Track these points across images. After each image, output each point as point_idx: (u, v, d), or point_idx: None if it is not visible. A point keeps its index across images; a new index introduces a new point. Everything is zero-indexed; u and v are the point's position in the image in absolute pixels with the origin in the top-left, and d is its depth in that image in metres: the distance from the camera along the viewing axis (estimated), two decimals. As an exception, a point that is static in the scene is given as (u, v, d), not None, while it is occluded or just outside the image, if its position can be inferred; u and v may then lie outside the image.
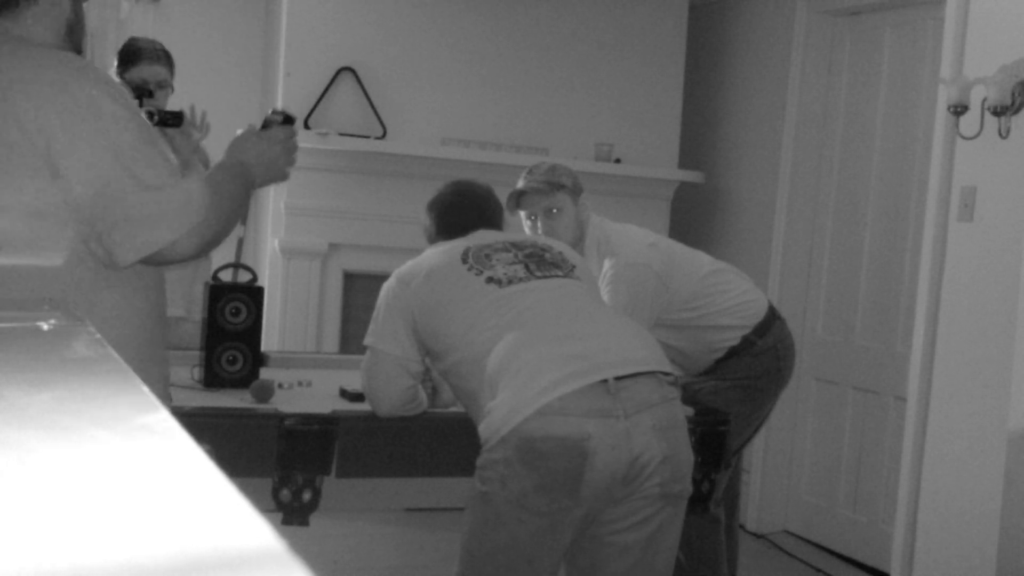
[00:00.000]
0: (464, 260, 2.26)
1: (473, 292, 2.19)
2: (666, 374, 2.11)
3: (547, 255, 2.31)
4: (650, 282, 2.87)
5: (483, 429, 2.04)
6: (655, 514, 2.08)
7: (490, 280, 2.21)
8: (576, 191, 2.96)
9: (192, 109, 2.87)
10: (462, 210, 2.43)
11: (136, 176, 1.63)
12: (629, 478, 2.01)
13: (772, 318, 3.08)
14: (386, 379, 2.29)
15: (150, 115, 2.61)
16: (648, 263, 2.88)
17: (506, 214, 2.54)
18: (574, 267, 2.32)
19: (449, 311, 2.19)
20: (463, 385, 2.20)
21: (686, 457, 2.11)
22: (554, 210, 2.91)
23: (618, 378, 2.02)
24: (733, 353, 3.02)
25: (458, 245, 2.32)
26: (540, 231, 2.91)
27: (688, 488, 2.13)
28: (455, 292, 2.21)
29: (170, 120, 2.67)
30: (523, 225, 2.98)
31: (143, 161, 1.66)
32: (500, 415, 2.01)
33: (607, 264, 2.88)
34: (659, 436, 2.03)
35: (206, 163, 2.94)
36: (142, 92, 2.75)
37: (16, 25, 1.67)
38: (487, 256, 2.28)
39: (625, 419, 2.00)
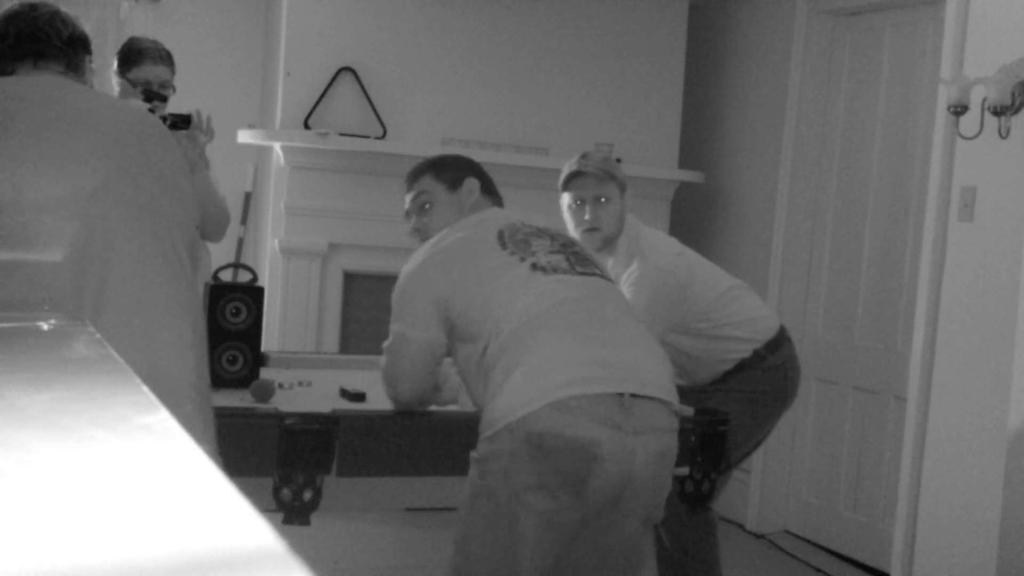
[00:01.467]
0: (503, 245, 2.23)
1: (515, 278, 2.15)
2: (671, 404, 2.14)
3: (577, 248, 2.32)
4: (672, 289, 2.87)
5: (489, 412, 2.02)
6: (632, 532, 2.11)
7: (535, 267, 2.18)
8: (623, 187, 2.95)
9: (198, 113, 2.87)
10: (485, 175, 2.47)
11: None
12: (618, 495, 2.02)
13: (782, 338, 3.09)
14: (412, 363, 2.24)
15: (162, 119, 2.61)
16: (674, 271, 2.88)
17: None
18: (604, 268, 2.33)
19: (490, 297, 2.13)
20: (484, 370, 2.11)
21: (668, 487, 2.14)
22: (603, 199, 2.89)
23: (632, 395, 2.02)
24: (743, 367, 3.03)
25: (488, 227, 2.28)
26: (586, 216, 2.87)
27: (660, 516, 2.16)
28: (498, 279, 2.15)
29: (179, 123, 2.68)
30: (564, 208, 2.93)
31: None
32: (508, 402, 1.99)
33: (634, 265, 2.88)
34: (656, 462, 2.05)
35: (207, 166, 2.94)
36: (153, 96, 2.73)
37: (79, 79, 1.99)
38: (524, 241, 2.26)
39: (633, 436, 2.00)
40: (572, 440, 1.96)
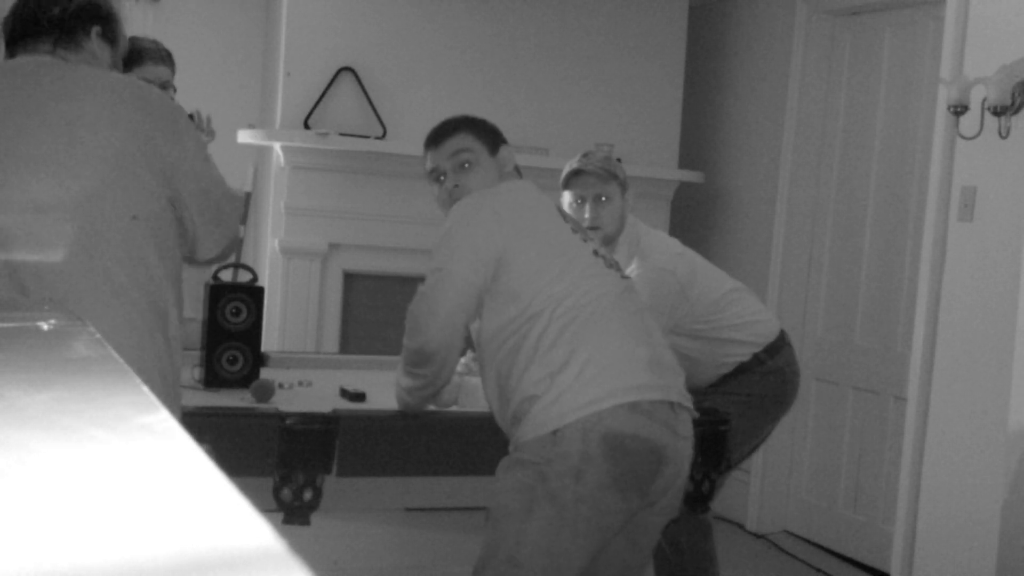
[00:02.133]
0: (564, 219, 2.20)
1: (579, 257, 2.12)
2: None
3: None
4: (672, 290, 2.87)
5: (550, 405, 1.97)
6: (659, 528, 2.19)
7: (596, 254, 2.16)
8: (625, 186, 2.92)
9: (199, 113, 2.87)
10: None
11: (218, 178, 1.97)
12: (662, 494, 2.09)
13: (782, 342, 3.09)
14: (452, 304, 2.05)
15: None
16: (674, 270, 2.88)
17: None
18: None
19: (553, 265, 2.07)
20: (528, 343, 2.02)
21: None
22: (603, 198, 2.86)
23: (679, 404, 2.11)
24: (742, 370, 3.03)
25: (542, 196, 2.23)
26: (586, 216, 2.84)
27: (676, 513, 2.23)
28: (564, 251, 2.10)
29: None
30: (565, 207, 2.88)
31: (213, 164, 1.98)
32: (579, 397, 1.96)
33: (634, 264, 2.87)
34: (688, 465, 2.14)
35: None
36: None
37: (75, 54, 1.89)
38: (578, 223, 2.27)
39: (682, 441, 2.08)
40: (648, 442, 1.99)
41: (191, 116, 2.75)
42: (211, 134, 2.90)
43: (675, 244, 3.06)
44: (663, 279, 2.85)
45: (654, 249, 2.91)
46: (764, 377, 3.03)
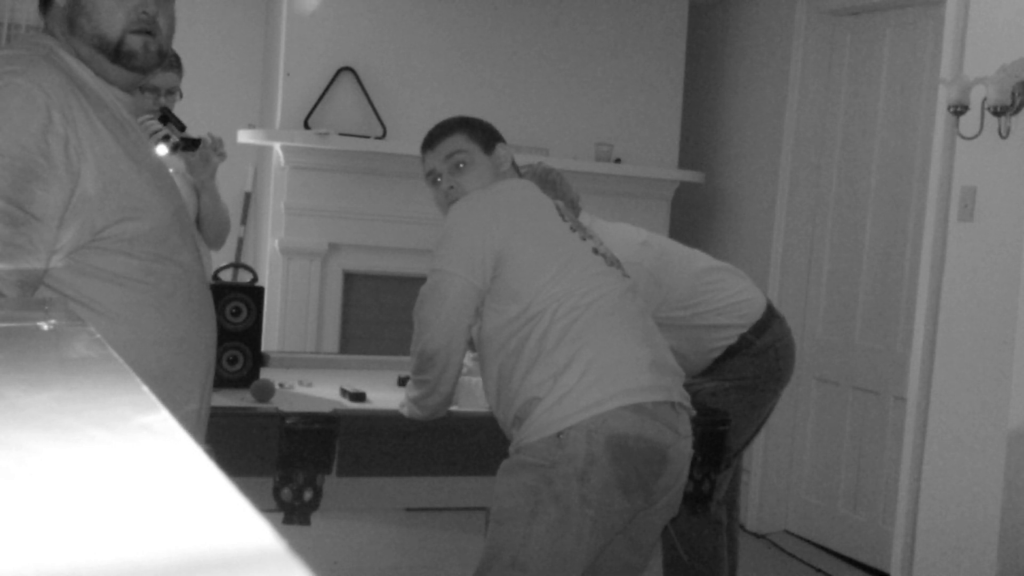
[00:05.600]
0: (562, 217, 2.20)
1: (578, 255, 2.12)
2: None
3: None
4: (640, 282, 2.85)
5: (552, 407, 1.97)
6: (660, 527, 2.19)
7: (595, 252, 2.17)
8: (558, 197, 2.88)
9: (210, 135, 2.86)
10: None
11: None
12: (664, 493, 2.09)
13: (770, 317, 3.06)
14: (453, 305, 2.07)
15: (174, 146, 2.59)
16: (640, 262, 2.85)
17: None
18: None
19: (552, 264, 2.07)
20: (529, 343, 2.03)
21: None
22: None
23: (680, 404, 2.12)
24: (732, 353, 3.01)
25: (540, 194, 2.24)
26: None
27: (676, 512, 2.24)
28: (563, 250, 2.10)
29: (189, 146, 2.67)
30: None
31: None
32: (582, 399, 1.97)
33: None
34: (688, 464, 2.14)
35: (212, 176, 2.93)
36: (169, 118, 2.68)
37: (52, 33, 1.68)
38: (577, 221, 2.27)
39: (683, 440, 2.09)
40: (651, 443, 2.00)
41: (198, 140, 2.72)
42: (223, 156, 2.89)
43: (638, 233, 3.01)
44: (630, 273, 2.84)
45: (616, 246, 2.87)
46: (756, 358, 3.00)
